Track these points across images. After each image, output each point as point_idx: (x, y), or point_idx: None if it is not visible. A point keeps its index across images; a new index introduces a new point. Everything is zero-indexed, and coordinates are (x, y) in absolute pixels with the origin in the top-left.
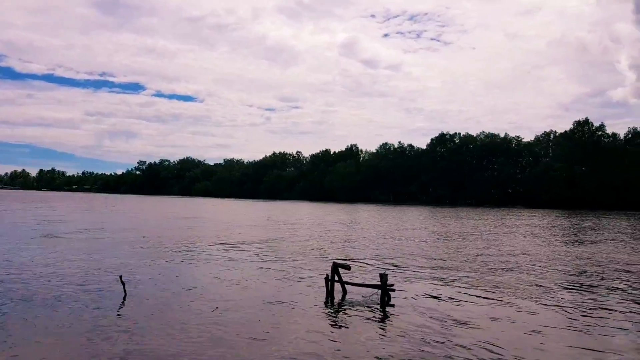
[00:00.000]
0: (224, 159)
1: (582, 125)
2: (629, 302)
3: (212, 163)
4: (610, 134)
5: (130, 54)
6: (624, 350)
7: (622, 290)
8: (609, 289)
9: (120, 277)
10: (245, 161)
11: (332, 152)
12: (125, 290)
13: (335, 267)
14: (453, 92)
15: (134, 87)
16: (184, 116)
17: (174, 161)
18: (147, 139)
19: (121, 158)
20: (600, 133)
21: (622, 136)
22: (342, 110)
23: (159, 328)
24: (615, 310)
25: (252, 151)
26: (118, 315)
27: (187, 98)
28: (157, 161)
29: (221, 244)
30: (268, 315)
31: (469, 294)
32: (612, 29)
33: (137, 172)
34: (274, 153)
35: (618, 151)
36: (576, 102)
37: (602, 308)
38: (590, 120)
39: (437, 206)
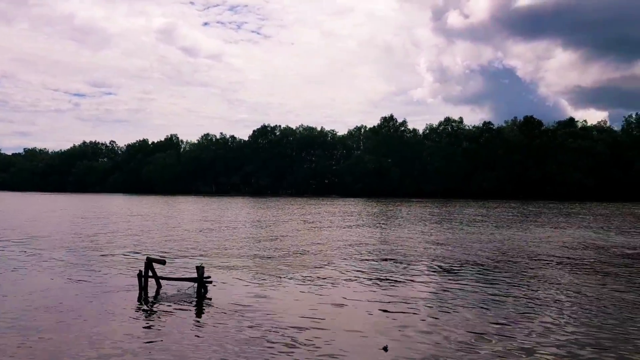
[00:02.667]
0: (24, 148)
1: (388, 121)
2: (421, 272)
3: (9, 153)
4: (411, 129)
5: None
6: (428, 314)
7: (416, 261)
8: (406, 263)
9: None
10: (50, 151)
11: (150, 142)
12: None
13: (149, 262)
14: (274, 85)
15: None
16: None
17: None
18: None
19: None
20: (403, 128)
21: (421, 132)
22: (161, 99)
23: None
24: (410, 280)
25: (58, 140)
26: None
27: None
28: None
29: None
30: (55, 321)
31: (281, 280)
32: (413, 33)
33: None
34: (84, 142)
35: (418, 145)
36: (384, 99)
37: (399, 280)
38: (395, 116)
39: (258, 196)
